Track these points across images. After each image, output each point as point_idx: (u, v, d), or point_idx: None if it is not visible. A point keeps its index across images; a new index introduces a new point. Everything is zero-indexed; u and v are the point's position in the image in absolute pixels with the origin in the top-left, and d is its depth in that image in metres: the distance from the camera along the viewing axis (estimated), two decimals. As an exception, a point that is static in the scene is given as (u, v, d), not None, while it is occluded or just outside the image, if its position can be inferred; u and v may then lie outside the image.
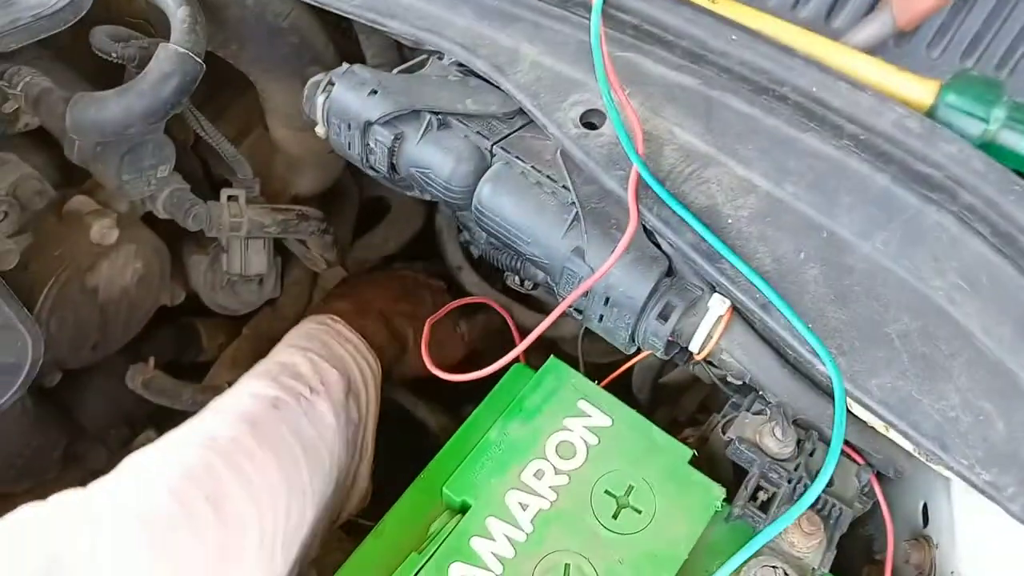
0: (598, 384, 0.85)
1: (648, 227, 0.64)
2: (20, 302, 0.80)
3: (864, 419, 0.61)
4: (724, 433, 0.81)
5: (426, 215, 1.34)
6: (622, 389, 1.07)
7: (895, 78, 0.60)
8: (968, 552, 0.74)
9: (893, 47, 0.65)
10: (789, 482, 0.75)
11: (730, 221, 0.63)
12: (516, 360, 0.80)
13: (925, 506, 0.81)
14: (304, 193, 1.21)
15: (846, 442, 0.77)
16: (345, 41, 1.03)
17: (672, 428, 1.16)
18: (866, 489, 0.78)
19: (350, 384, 0.90)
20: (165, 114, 0.85)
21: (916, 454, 0.58)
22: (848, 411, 0.60)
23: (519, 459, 0.78)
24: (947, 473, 0.57)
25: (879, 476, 0.77)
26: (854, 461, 0.76)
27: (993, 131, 0.58)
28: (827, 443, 0.78)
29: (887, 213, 0.60)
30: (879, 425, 0.59)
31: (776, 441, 0.77)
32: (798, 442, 0.78)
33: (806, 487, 0.75)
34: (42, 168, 0.96)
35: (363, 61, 0.99)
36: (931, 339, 0.59)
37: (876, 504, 0.85)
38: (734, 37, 0.63)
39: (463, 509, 0.76)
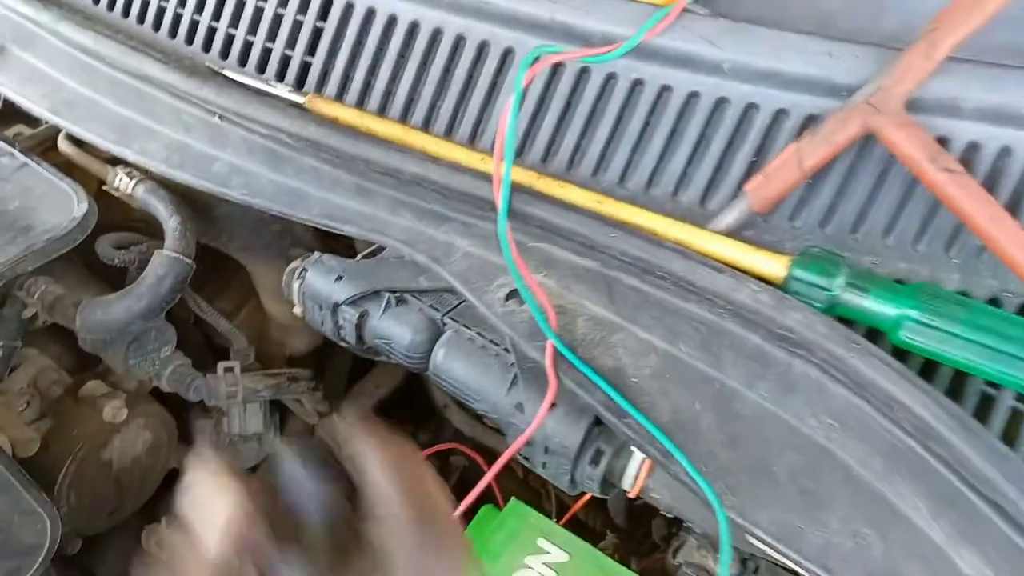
0: (561, 520, 0.93)
1: (566, 388, 0.74)
2: (39, 487, 0.90)
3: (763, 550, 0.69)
4: (675, 558, 0.90)
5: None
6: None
7: (752, 257, 0.71)
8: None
9: (761, 221, 0.76)
10: (734, 602, 0.82)
11: (635, 380, 0.72)
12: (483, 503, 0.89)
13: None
14: (298, 352, 1.33)
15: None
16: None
17: (649, 548, 1.24)
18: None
19: None
20: (162, 310, 0.98)
21: (805, 576, 0.66)
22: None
23: (486, 598, 0.86)
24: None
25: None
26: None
27: (836, 296, 0.69)
28: (769, 560, 0.87)
29: (763, 366, 0.69)
30: (775, 555, 0.67)
31: (720, 563, 0.84)
32: (743, 562, 0.86)
33: (749, 605, 0.83)
34: (59, 356, 1.09)
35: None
36: (813, 474, 0.67)
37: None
38: (612, 235, 0.75)
39: (436, 648, 0.84)
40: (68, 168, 1.04)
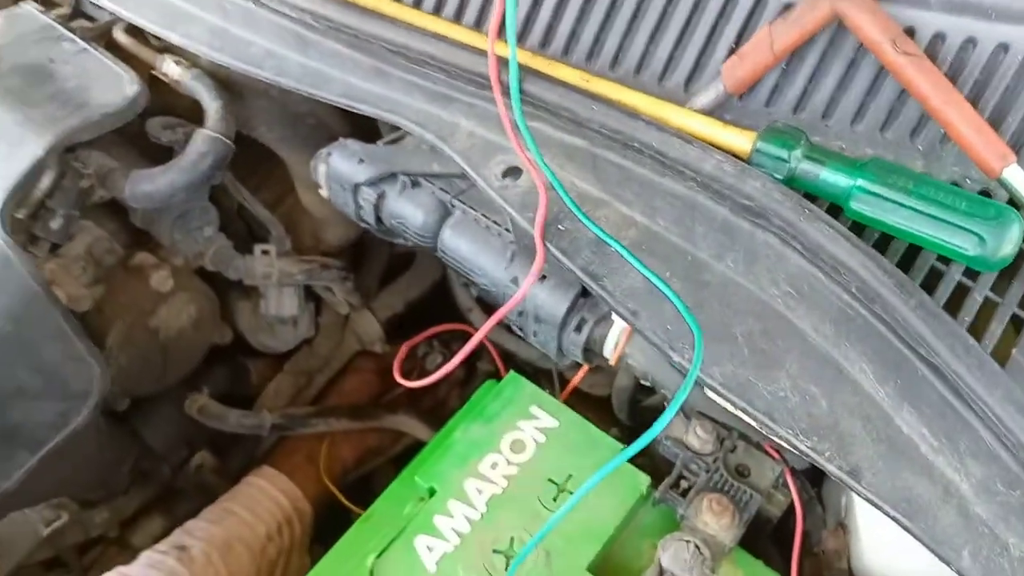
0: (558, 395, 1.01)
1: (552, 256, 0.81)
2: (89, 339, 1.01)
3: (718, 402, 0.75)
4: (662, 435, 0.96)
5: (442, 268, 1.53)
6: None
7: (721, 132, 0.76)
8: (863, 533, 0.87)
9: (738, 105, 0.80)
10: (707, 472, 0.89)
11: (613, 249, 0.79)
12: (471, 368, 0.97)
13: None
14: (332, 246, 1.42)
15: (769, 442, 0.91)
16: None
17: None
18: (782, 481, 0.91)
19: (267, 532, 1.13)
20: (203, 185, 1.07)
21: (756, 427, 0.72)
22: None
23: (478, 453, 0.94)
24: (777, 441, 0.70)
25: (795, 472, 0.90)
26: (772, 458, 0.90)
27: (794, 167, 0.73)
28: (746, 440, 0.93)
29: (730, 238, 0.75)
30: (728, 406, 0.73)
31: (698, 438, 0.91)
32: (721, 440, 0.92)
33: (721, 476, 0.89)
34: (114, 232, 1.20)
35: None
36: (770, 337, 0.73)
37: (812, 501, 0.97)
38: (594, 107, 0.80)
39: (431, 494, 0.93)
40: (125, 58, 1.14)
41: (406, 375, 1.59)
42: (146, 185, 1.05)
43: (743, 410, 0.72)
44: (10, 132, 0.98)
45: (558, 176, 0.80)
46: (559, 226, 0.81)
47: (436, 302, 1.57)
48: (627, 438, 1.30)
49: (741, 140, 0.75)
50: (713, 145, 0.77)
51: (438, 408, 1.54)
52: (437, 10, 0.97)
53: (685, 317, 0.70)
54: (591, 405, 1.25)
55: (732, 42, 0.81)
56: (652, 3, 0.84)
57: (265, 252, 1.25)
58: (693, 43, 0.82)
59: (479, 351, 1.46)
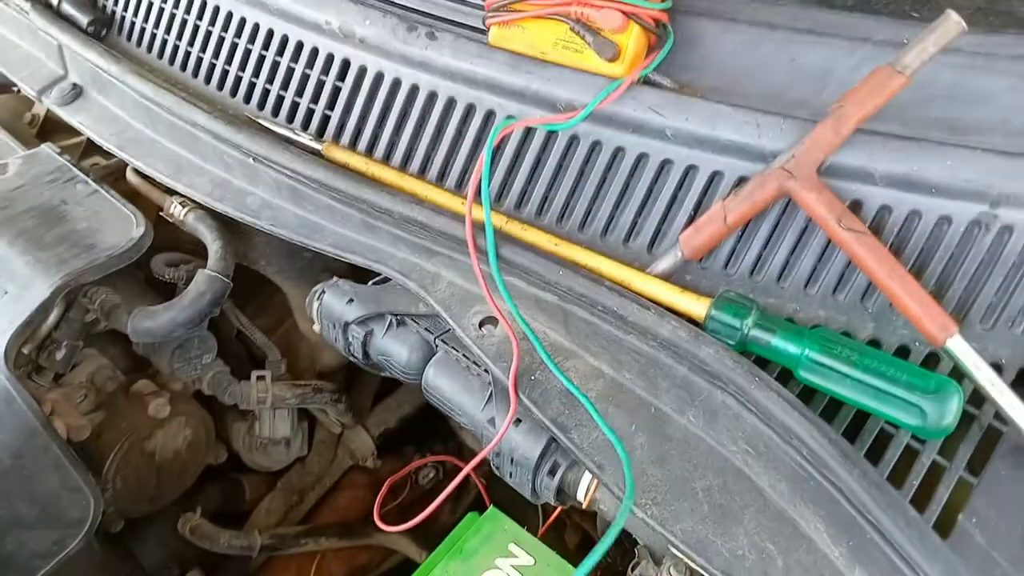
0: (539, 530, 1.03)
1: (523, 406, 0.85)
2: (86, 468, 1.05)
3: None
4: (632, 571, 0.98)
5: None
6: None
7: (679, 297, 0.81)
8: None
9: (699, 268, 0.85)
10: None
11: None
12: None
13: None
14: (327, 367, 1.46)
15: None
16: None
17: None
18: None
19: None
20: (202, 321, 1.13)
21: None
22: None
23: (456, 592, 0.96)
24: (736, 600, 0.72)
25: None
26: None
27: (746, 334, 0.78)
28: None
29: (690, 395, 0.79)
30: (688, 562, 0.76)
31: (672, 581, 0.93)
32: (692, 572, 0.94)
33: (694, 617, 0.91)
34: (116, 357, 1.25)
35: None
36: (728, 493, 0.76)
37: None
38: (560, 272, 0.86)
39: (410, 633, 0.94)
40: (134, 196, 1.21)
41: (398, 489, 1.64)
42: (147, 322, 1.10)
43: (702, 567, 0.74)
44: (21, 274, 1.04)
45: (532, 327, 0.85)
46: (532, 376, 0.85)
47: (428, 415, 1.61)
48: (618, 558, 1.32)
49: (697, 306, 0.80)
50: (671, 310, 0.82)
51: (431, 521, 1.56)
52: (423, 171, 1.05)
53: (627, 482, 0.73)
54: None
55: (691, 210, 0.87)
56: (617, 175, 0.91)
57: (260, 378, 1.29)
58: (656, 210, 0.89)
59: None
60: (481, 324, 0.90)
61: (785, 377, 0.79)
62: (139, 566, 1.34)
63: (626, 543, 1.25)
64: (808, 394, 0.77)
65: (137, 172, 1.24)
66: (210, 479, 1.41)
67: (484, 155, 0.87)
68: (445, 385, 1.00)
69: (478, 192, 0.85)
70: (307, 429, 1.44)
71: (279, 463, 1.43)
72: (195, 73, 1.28)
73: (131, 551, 1.33)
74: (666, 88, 0.91)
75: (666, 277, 0.84)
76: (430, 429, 1.59)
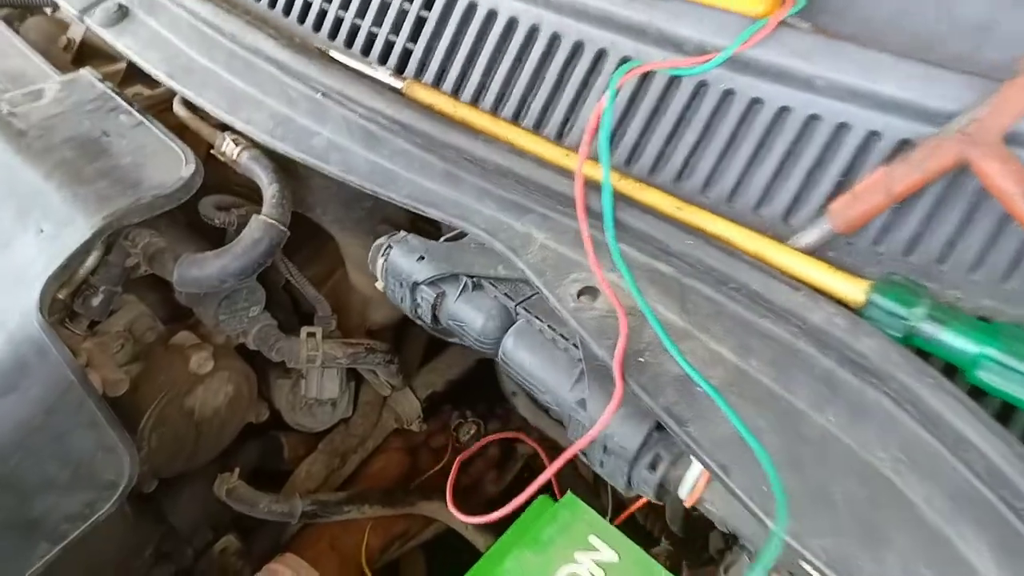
0: (616, 519, 0.94)
1: (629, 390, 0.74)
2: (122, 427, 0.96)
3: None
4: (726, 574, 0.89)
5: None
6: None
7: (831, 278, 0.69)
8: None
9: (845, 243, 0.74)
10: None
11: (700, 389, 0.72)
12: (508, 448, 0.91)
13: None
14: (378, 325, 1.36)
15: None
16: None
17: (704, 560, 1.23)
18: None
19: None
20: (255, 271, 1.02)
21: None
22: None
23: (531, 586, 0.87)
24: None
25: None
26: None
27: (914, 326, 0.66)
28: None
29: (831, 390, 0.68)
30: (826, 582, 0.66)
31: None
32: (794, 586, 0.84)
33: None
34: (155, 305, 1.15)
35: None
36: (875, 506, 0.65)
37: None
38: (689, 241, 0.74)
39: (479, 628, 0.86)
40: (181, 130, 1.10)
41: (438, 449, 1.55)
42: (196, 271, 1.00)
43: (845, 591, 0.64)
44: (58, 210, 0.94)
45: (637, 301, 0.74)
46: (639, 358, 0.75)
47: (476, 379, 1.51)
48: (678, 549, 1.23)
49: (853, 290, 0.69)
50: (819, 291, 0.70)
51: (473, 489, 1.48)
52: (516, 118, 0.93)
53: (778, 504, 0.63)
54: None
55: (838, 176, 0.75)
56: (751, 129, 0.79)
57: (311, 335, 1.20)
58: (796, 172, 0.77)
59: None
60: (580, 293, 0.79)
61: (946, 373, 0.67)
62: (171, 528, 1.27)
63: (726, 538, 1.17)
64: (974, 396, 0.66)
65: (186, 104, 1.12)
66: (248, 437, 1.33)
67: (605, 102, 0.75)
68: (526, 359, 0.90)
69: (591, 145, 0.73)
70: (354, 390, 1.35)
71: (323, 424, 1.35)
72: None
73: (162, 512, 1.26)
74: (805, 31, 0.78)
75: (810, 252, 0.72)
76: (476, 391, 1.49)
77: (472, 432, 1.51)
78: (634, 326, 0.76)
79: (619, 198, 0.80)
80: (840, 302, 0.70)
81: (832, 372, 0.68)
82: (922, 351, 0.68)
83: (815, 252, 0.73)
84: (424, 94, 0.94)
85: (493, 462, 1.52)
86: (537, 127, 0.91)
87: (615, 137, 0.85)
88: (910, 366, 0.65)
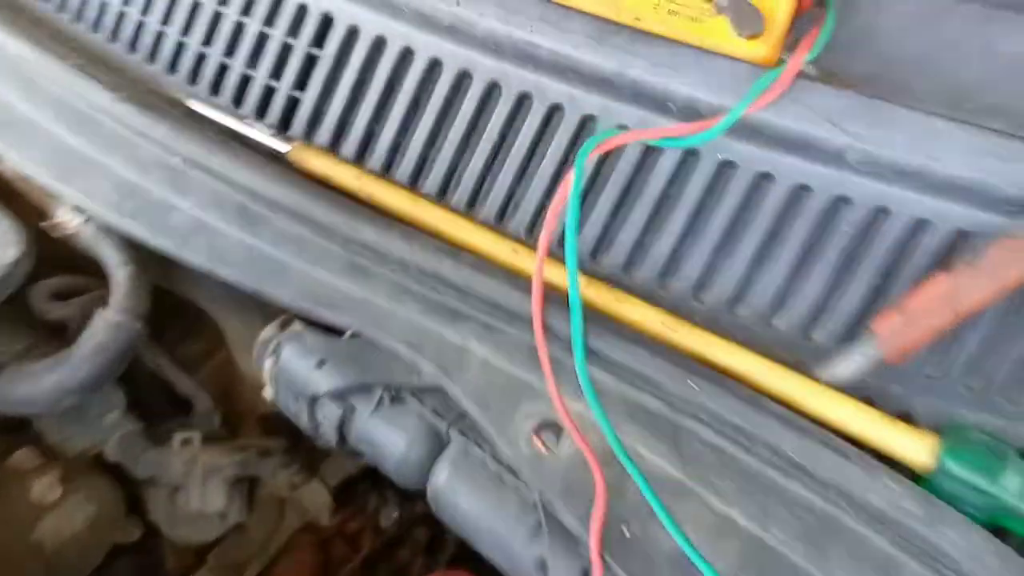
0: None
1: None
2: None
3: None
4: None
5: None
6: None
7: (890, 433, 0.52)
8: None
9: (885, 366, 0.56)
10: None
11: None
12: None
13: None
14: (272, 410, 1.13)
15: None
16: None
17: None
18: None
19: None
20: (102, 384, 0.79)
21: None
22: None
23: None
24: None
25: None
26: None
27: (1000, 501, 0.49)
28: None
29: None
30: None
31: None
32: None
33: None
34: (-14, 415, 0.90)
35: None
36: None
37: None
38: (693, 385, 0.55)
39: None
40: (6, 197, 0.85)
41: (354, 535, 1.34)
42: (25, 388, 0.76)
43: None
44: None
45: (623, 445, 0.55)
46: (623, 527, 0.56)
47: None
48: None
49: (916, 448, 0.51)
50: (862, 444, 0.52)
51: (399, 577, 1.28)
52: (443, 193, 0.72)
53: None
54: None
55: (875, 277, 0.57)
56: (759, 212, 0.60)
57: (186, 442, 0.97)
58: (819, 270, 0.59)
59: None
60: (537, 430, 0.60)
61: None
62: None
63: None
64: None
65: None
66: (121, 554, 1.09)
67: (570, 186, 0.55)
68: (464, 498, 0.70)
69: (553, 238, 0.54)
70: (245, 493, 1.12)
71: (210, 535, 1.11)
72: (95, 26, 0.90)
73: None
74: (813, 77, 0.60)
75: (850, 386, 0.54)
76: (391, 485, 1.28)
77: (395, 516, 1.31)
78: (613, 481, 0.57)
79: (588, 313, 0.60)
80: (894, 460, 0.52)
81: (888, 556, 0.50)
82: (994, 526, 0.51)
83: (856, 387, 0.55)
84: (317, 162, 0.72)
85: (421, 547, 1.32)
86: (471, 205, 0.70)
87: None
88: (1013, 570, 0.48)
